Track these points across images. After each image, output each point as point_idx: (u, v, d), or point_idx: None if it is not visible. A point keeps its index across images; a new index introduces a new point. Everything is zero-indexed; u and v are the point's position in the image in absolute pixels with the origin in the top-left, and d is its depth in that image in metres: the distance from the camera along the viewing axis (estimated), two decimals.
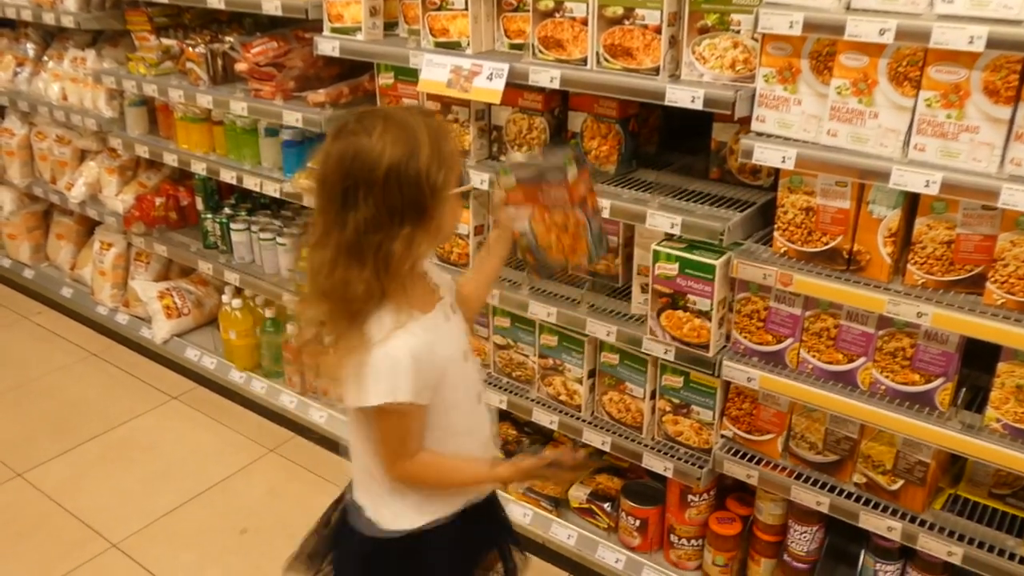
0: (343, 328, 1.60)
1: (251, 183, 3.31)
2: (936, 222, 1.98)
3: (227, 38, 3.33)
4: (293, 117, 2.99)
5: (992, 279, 1.93)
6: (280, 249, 3.48)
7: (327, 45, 2.78)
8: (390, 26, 2.80)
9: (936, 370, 2.07)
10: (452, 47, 2.54)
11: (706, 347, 2.32)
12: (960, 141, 1.84)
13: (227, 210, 3.70)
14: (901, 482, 2.22)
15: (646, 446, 2.58)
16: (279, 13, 2.86)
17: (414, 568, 1.77)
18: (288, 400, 3.54)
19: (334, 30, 2.78)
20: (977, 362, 2.13)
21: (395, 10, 2.77)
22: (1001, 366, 1.98)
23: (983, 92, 1.79)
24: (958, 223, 1.95)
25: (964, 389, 2.11)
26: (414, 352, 1.59)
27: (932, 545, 2.14)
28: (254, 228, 3.57)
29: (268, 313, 3.60)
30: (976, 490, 2.29)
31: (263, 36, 3.16)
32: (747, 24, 2.07)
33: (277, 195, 3.24)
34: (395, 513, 1.74)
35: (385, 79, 2.80)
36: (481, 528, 1.86)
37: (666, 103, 2.16)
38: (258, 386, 3.64)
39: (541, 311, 2.58)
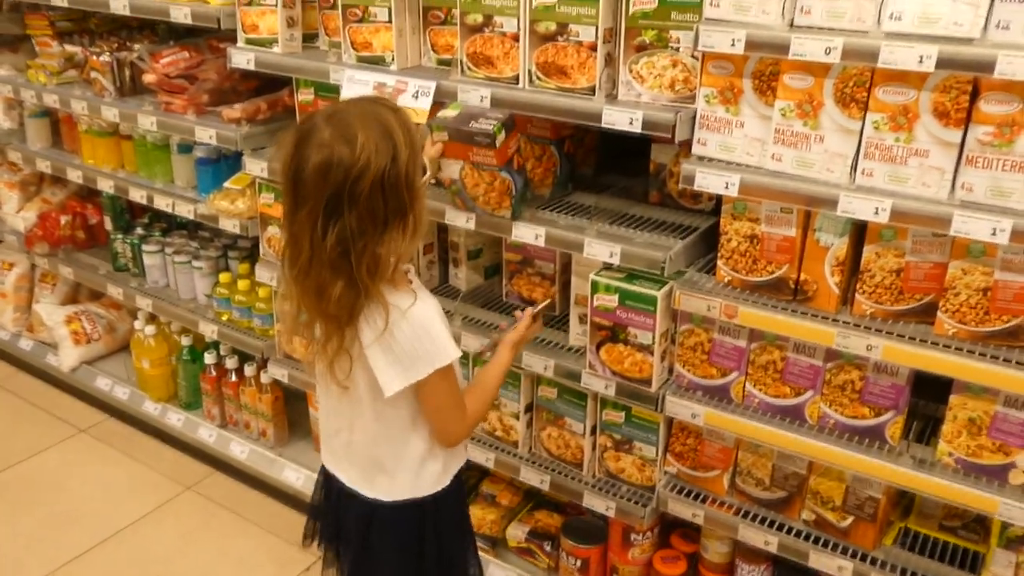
0: (334, 330, 1.61)
1: (163, 203, 3.09)
2: (885, 250, 1.89)
3: (136, 46, 3.10)
4: (207, 133, 2.78)
5: (943, 309, 1.84)
6: (197, 273, 3.26)
7: (241, 58, 2.59)
8: (310, 38, 2.62)
9: (886, 403, 1.98)
10: (376, 62, 2.37)
11: (648, 382, 2.19)
12: (909, 166, 1.75)
13: (139, 230, 3.47)
14: (851, 519, 2.13)
15: (587, 484, 2.44)
16: (188, 22, 2.65)
17: (456, 516, 1.93)
18: (206, 433, 3.31)
19: (249, 41, 2.59)
20: (926, 391, 2.05)
21: (315, 21, 2.59)
22: (953, 399, 1.89)
23: (932, 114, 1.70)
24: (907, 251, 1.86)
25: (915, 421, 2.03)
26: (438, 311, 1.68)
27: None
28: (168, 250, 3.34)
29: (185, 341, 3.37)
30: (927, 523, 2.21)
31: (175, 45, 2.94)
32: (686, 41, 1.95)
33: (191, 216, 3.02)
34: (433, 475, 1.82)
35: (305, 95, 2.62)
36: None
37: (603, 125, 2.03)
38: (174, 418, 3.41)
39: (473, 343, 2.43)
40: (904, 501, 2.25)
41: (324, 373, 1.69)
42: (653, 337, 2.14)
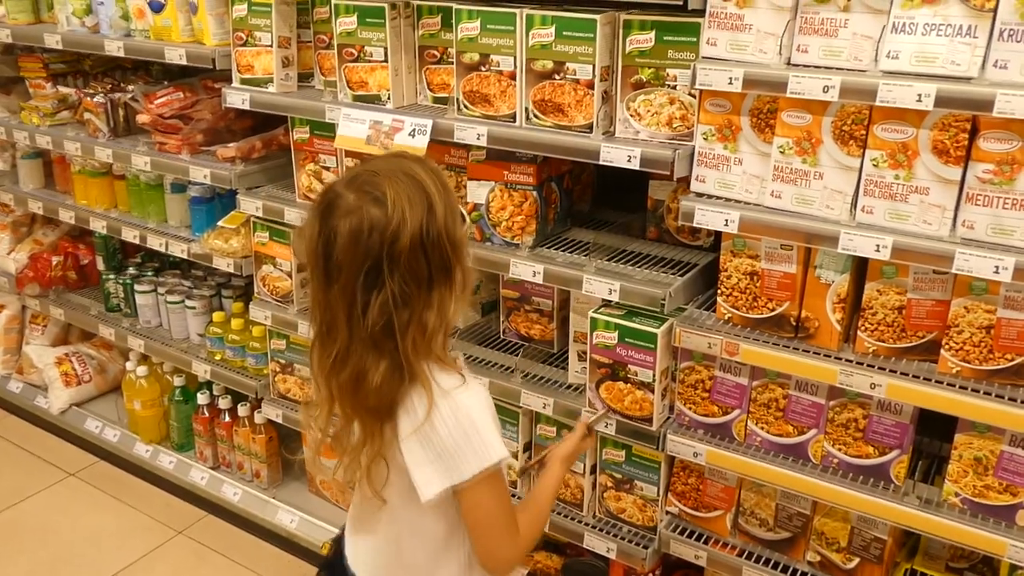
0: (373, 429, 1.43)
1: (156, 243, 3.06)
2: (886, 287, 1.87)
3: (129, 87, 3.09)
4: (201, 173, 2.77)
5: (947, 346, 1.83)
6: (189, 312, 3.22)
7: (237, 97, 2.58)
8: (305, 77, 2.62)
9: (891, 442, 1.96)
10: (371, 100, 2.37)
11: (649, 420, 2.16)
12: (909, 203, 1.74)
13: (131, 270, 3.43)
14: (857, 560, 2.09)
15: (587, 525, 2.40)
16: (183, 63, 2.65)
17: None
18: (199, 476, 3.26)
19: (244, 81, 2.58)
20: (930, 428, 2.03)
21: (310, 60, 2.59)
22: (958, 438, 1.87)
23: (932, 152, 1.70)
24: (909, 288, 1.85)
25: (920, 460, 2.00)
26: (489, 403, 1.46)
27: None
28: (161, 290, 3.31)
29: (177, 381, 3.32)
30: (933, 564, 2.16)
31: (169, 86, 2.94)
32: (683, 79, 1.96)
33: (184, 256, 2.99)
34: None
35: (300, 133, 2.61)
36: None
37: (600, 162, 2.02)
38: (166, 460, 3.35)
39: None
40: (910, 542, 2.21)
41: (359, 480, 1.51)
42: (653, 375, 2.12)
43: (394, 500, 1.51)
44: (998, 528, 1.83)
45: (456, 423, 1.40)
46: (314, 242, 1.39)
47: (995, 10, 1.56)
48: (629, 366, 2.14)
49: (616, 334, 2.13)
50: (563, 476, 1.76)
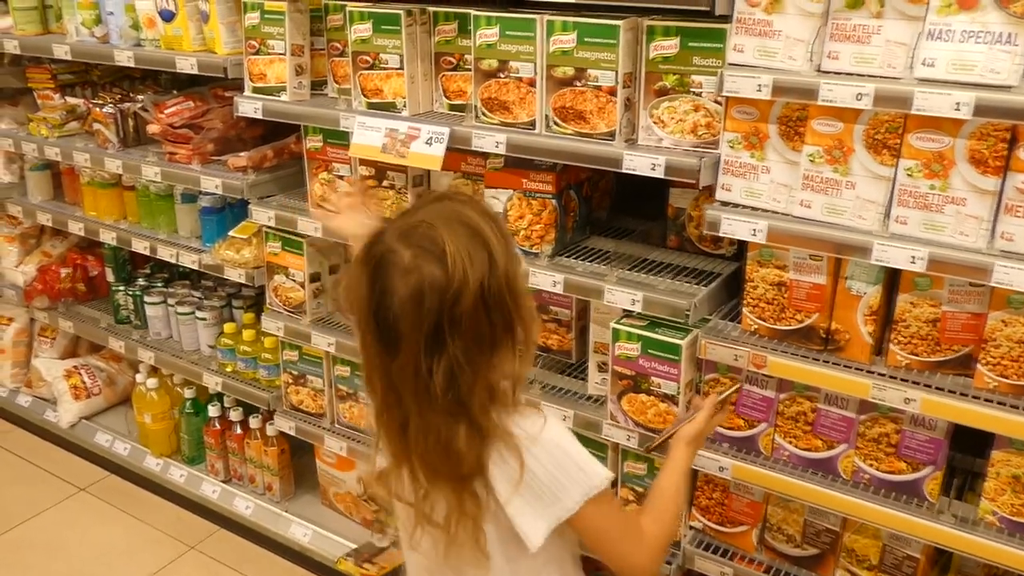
0: (467, 495, 1.34)
1: (166, 253, 3.02)
2: (920, 299, 1.82)
3: (139, 96, 3.06)
4: (212, 183, 2.73)
5: (983, 361, 1.78)
6: (200, 324, 3.18)
7: (249, 106, 2.54)
8: (318, 85, 2.58)
9: (924, 458, 1.90)
10: (387, 108, 2.32)
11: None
12: (945, 213, 1.69)
13: (141, 281, 3.39)
14: None
15: None
16: (195, 72, 2.61)
17: None
18: (210, 489, 3.21)
19: (256, 90, 2.54)
20: (962, 443, 1.97)
21: (323, 68, 2.55)
22: (995, 455, 1.82)
23: (969, 161, 1.65)
24: (944, 300, 1.80)
25: (955, 478, 1.95)
26: (569, 433, 1.41)
27: None
28: (171, 301, 3.27)
29: (188, 393, 3.28)
30: None
31: (179, 95, 2.90)
32: (709, 86, 1.91)
33: (196, 267, 2.95)
34: None
35: (314, 142, 2.57)
36: None
37: (624, 170, 1.97)
38: (177, 474, 3.31)
39: None
40: (942, 560, 2.15)
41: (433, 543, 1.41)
42: (678, 387, 2.07)
43: (497, 559, 1.42)
44: None
45: (552, 461, 1.34)
46: (365, 301, 1.29)
47: None
48: (652, 378, 2.09)
49: (639, 345, 2.09)
50: (690, 460, 1.66)
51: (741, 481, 2.11)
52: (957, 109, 1.56)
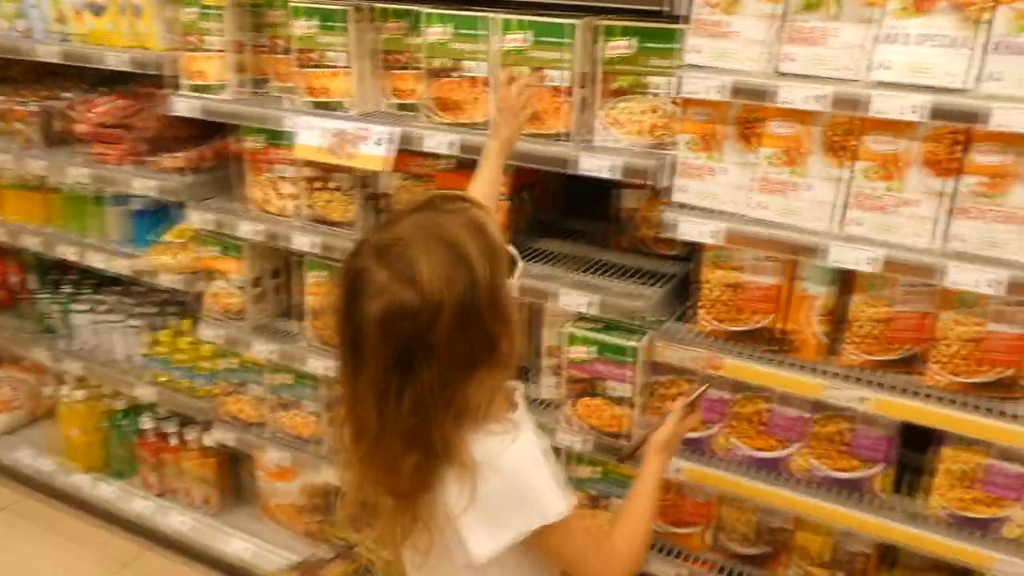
0: (404, 507, 1.33)
1: (96, 259, 2.88)
2: (873, 300, 1.84)
3: (65, 94, 2.90)
4: (146, 185, 2.61)
5: (933, 359, 1.81)
6: (131, 332, 3.04)
7: (185, 105, 2.43)
8: (259, 83, 2.49)
9: (874, 455, 1.93)
10: (333, 108, 2.25)
11: (628, 436, 2.10)
12: (899, 215, 1.72)
13: (67, 288, 3.22)
14: (840, 575, 2.06)
15: None
16: (128, 68, 2.49)
17: None
18: (143, 505, 3.07)
19: (194, 88, 2.44)
20: (909, 440, 2.00)
21: (265, 65, 2.46)
22: (945, 451, 1.85)
23: (923, 164, 1.68)
24: (895, 301, 1.83)
25: (901, 473, 1.99)
26: (537, 446, 1.34)
27: None
28: (100, 309, 3.11)
29: (118, 404, 3.13)
30: None
31: (109, 93, 2.76)
32: (665, 87, 1.90)
33: (128, 272, 2.82)
34: None
35: (254, 142, 2.48)
36: None
37: (580, 172, 1.95)
38: (106, 490, 3.15)
39: None
40: (889, 556, 2.19)
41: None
42: (632, 390, 2.06)
43: (462, 572, 1.40)
44: (985, 542, 1.82)
45: (507, 488, 1.30)
46: (341, 319, 1.25)
47: (990, 22, 1.54)
48: (606, 381, 2.08)
49: (593, 349, 2.07)
50: (662, 468, 1.62)
51: (696, 484, 2.11)
52: (914, 112, 1.59)
